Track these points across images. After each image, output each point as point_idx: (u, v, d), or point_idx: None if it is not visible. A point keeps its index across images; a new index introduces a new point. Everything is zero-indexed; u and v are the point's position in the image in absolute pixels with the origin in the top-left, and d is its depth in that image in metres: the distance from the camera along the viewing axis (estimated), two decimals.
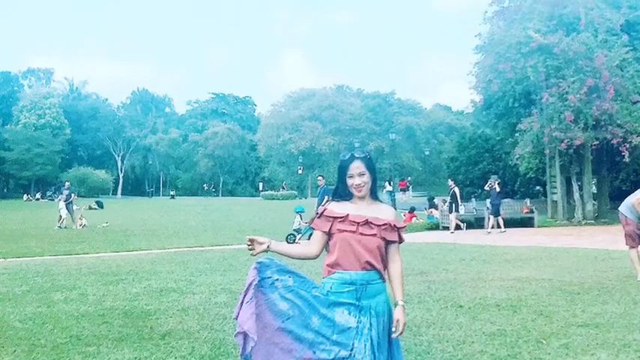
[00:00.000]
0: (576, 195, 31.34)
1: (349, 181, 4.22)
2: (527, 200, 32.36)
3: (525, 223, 29.71)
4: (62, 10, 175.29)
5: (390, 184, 52.96)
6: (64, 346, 7.38)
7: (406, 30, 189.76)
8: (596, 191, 34.78)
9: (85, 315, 9.27)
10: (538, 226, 29.51)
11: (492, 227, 26.93)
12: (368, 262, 4.13)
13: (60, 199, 34.54)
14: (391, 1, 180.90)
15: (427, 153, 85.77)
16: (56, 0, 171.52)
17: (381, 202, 4.39)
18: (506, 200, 31.15)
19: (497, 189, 27.25)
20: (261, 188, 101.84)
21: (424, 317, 8.76)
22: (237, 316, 4.15)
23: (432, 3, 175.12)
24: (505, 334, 7.67)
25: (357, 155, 4.28)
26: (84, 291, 11.70)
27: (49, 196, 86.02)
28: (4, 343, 7.57)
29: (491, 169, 43.39)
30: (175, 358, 6.85)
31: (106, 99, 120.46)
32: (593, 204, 32.51)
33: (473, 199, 33.90)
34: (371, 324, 4.10)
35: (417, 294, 10.67)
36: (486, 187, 28.94)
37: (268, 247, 4.23)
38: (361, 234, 4.15)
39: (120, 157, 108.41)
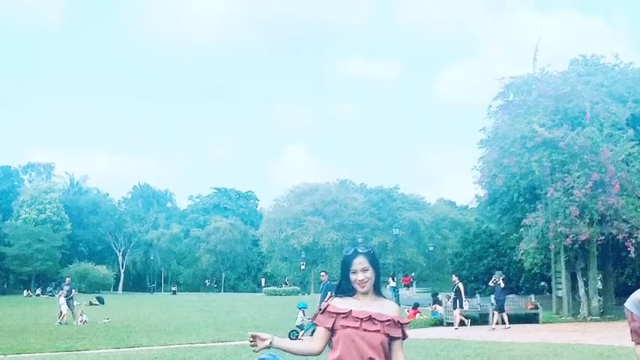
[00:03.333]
0: (581, 291, 31.08)
1: (352, 277, 4.21)
2: (532, 296, 32.10)
3: (530, 319, 29.37)
4: (63, 104, 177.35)
5: (393, 279, 52.61)
6: None
7: (409, 123, 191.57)
8: (601, 287, 34.46)
9: None
10: (543, 322, 29.15)
11: (497, 323, 26.61)
12: (371, 359, 4.08)
13: (60, 295, 34.38)
14: (394, 94, 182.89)
15: (431, 248, 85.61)
16: (58, 95, 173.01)
17: (384, 297, 4.37)
18: (510, 296, 30.89)
19: (502, 285, 27.08)
20: (263, 284, 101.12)
21: None
22: None
23: (436, 96, 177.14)
24: None
25: (360, 251, 4.28)
26: None
27: (50, 291, 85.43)
28: None
29: (495, 264, 43.26)
30: None
31: (107, 194, 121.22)
32: (599, 300, 32.18)
33: (477, 295, 33.64)
34: None
35: None
36: (491, 283, 28.75)
37: (271, 343, 4.20)
38: (364, 330, 4.11)
39: (121, 253, 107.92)
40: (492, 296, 28.16)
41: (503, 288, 27.07)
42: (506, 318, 26.59)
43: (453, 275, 30.04)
